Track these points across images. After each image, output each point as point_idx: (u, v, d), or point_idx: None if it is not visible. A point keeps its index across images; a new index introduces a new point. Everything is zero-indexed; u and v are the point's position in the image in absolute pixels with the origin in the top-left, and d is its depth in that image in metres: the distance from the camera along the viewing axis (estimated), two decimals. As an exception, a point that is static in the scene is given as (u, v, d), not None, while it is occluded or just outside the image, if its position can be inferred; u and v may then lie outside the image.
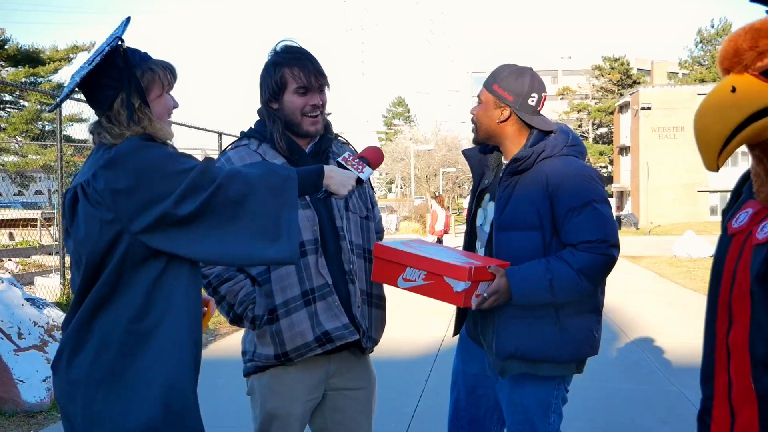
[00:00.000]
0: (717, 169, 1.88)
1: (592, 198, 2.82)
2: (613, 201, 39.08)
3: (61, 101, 2.44)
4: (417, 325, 9.25)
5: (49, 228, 20.15)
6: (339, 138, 3.09)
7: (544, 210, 2.84)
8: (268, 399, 2.84)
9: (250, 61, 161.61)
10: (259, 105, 2.95)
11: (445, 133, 58.86)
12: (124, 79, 2.22)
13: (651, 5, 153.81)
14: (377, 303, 2.95)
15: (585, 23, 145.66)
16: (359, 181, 2.52)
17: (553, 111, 68.83)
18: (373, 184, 3.23)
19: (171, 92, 2.38)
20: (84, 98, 2.35)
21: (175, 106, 2.38)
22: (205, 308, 2.58)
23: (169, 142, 2.33)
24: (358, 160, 2.55)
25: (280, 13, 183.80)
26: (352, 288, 2.82)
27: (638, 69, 65.26)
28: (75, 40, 42.81)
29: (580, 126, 66.27)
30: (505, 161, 3.01)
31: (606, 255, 2.79)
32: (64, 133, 35.90)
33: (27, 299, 6.40)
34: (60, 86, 37.50)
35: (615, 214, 37.12)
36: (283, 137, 2.83)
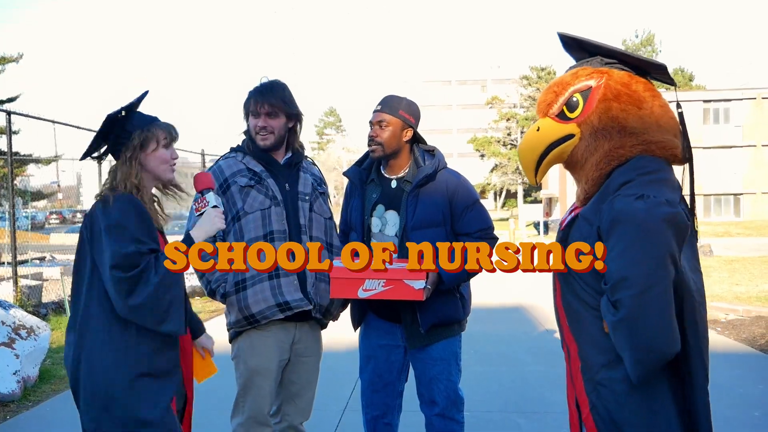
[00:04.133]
0: (536, 184, 2.75)
1: (476, 198, 3.80)
2: (541, 207, 40.22)
3: (84, 157, 3.12)
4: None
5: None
6: (311, 159, 3.94)
7: (446, 210, 3.70)
8: (249, 357, 3.61)
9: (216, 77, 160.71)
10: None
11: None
12: (123, 138, 3.01)
13: (578, 16, 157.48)
14: (324, 281, 3.65)
15: (513, 33, 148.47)
16: (215, 207, 3.10)
17: (483, 119, 70.02)
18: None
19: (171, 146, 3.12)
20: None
21: (174, 157, 3.11)
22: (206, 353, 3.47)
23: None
24: (200, 198, 3.12)
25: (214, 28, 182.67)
26: (308, 271, 3.55)
27: (564, 78, 66.75)
28: (3, 51, 42.14)
29: (509, 134, 67.11)
30: (391, 175, 3.80)
31: (493, 237, 3.75)
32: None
33: (-4, 304, 6.95)
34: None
35: (543, 219, 38.32)
36: (255, 149, 3.67)
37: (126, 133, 3.01)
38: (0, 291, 10.06)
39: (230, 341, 3.71)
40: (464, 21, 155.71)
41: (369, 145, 3.77)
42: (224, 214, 3.19)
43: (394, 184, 3.80)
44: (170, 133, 3.10)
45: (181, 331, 2.94)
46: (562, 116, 2.62)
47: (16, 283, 10.06)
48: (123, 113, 3.03)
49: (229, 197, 3.59)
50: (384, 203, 3.79)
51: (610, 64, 2.62)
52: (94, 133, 3.04)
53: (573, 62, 2.80)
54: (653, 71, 2.65)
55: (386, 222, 3.78)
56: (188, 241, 2.95)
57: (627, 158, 2.47)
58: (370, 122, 3.77)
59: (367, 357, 3.97)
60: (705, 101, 47.75)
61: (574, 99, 2.58)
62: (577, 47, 2.76)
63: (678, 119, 2.60)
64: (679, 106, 2.65)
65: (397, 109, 3.74)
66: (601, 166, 2.50)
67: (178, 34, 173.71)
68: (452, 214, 3.73)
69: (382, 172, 3.86)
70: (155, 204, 3.15)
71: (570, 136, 2.59)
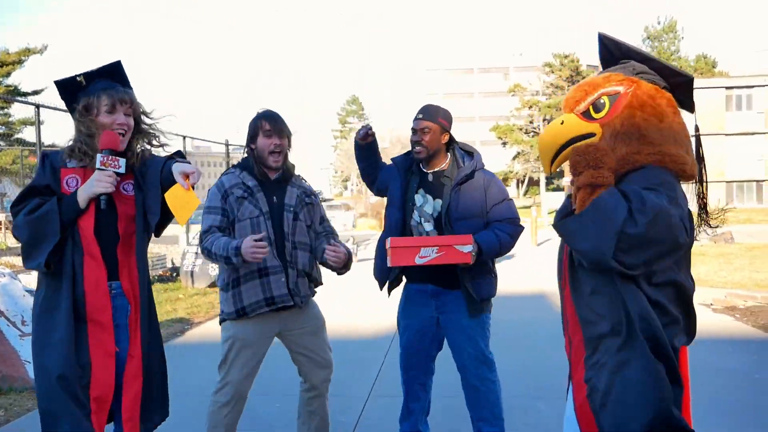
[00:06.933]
0: (550, 173, 2.93)
1: (507, 195, 4.50)
2: (563, 195, 40.15)
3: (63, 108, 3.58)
4: (376, 312, 10.13)
5: (13, 230, 20.53)
6: (299, 176, 4.50)
7: (482, 204, 4.38)
8: (232, 327, 4.21)
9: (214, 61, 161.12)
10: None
11: (400, 131, 59.65)
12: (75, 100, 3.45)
13: (600, 2, 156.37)
14: (304, 276, 4.28)
15: (536, 20, 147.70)
16: (119, 174, 3.35)
17: (505, 107, 69.84)
18: (328, 184, 4.54)
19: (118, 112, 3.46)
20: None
21: (122, 123, 3.43)
22: (186, 181, 3.38)
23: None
24: (109, 157, 3.32)
25: (232, 13, 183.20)
26: (291, 271, 4.20)
27: (587, 65, 66.16)
28: (27, 42, 42.56)
29: (531, 122, 66.96)
30: (428, 170, 4.49)
31: (520, 226, 4.47)
32: (17, 136, 35.52)
33: (27, 291, 7.14)
34: (14, 90, 37.56)
35: (565, 207, 38.36)
36: (258, 168, 4.26)
37: (76, 95, 3.45)
38: (31, 279, 10.27)
39: (220, 323, 4.32)
40: (487, 9, 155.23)
41: (414, 148, 4.44)
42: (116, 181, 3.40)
43: (431, 177, 4.46)
44: (120, 97, 3.45)
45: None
46: (587, 115, 2.79)
47: (47, 271, 10.24)
48: (78, 78, 3.47)
49: (229, 205, 4.19)
50: (423, 189, 4.46)
51: (641, 74, 2.80)
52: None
53: (595, 59, 2.97)
54: (681, 82, 2.83)
55: (426, 201, 4.44)
56: (71, 197, 3.30)
57: (641, 165, 2.64)
58: (414, 129, 4.43)
59: (405, 326, 4.58)
60: (727, 88, 47.43)
61: (602, 101, 2.76)
62: (614, 49, 2.91)
63: (695, 142, 2.81)
64: (697, 129, 2.86)
65: (437, 117, 4.42)
66: (615, 168, 2.64)
67: (198, 23, 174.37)
68: (486, 207, 4.39)
69: (421, 167, 4.52)
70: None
71: (591, 135, 2.76)
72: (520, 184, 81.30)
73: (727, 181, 45.34)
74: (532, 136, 65.42)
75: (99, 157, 3.32)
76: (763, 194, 47.80)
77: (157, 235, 3.64)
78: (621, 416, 2.55)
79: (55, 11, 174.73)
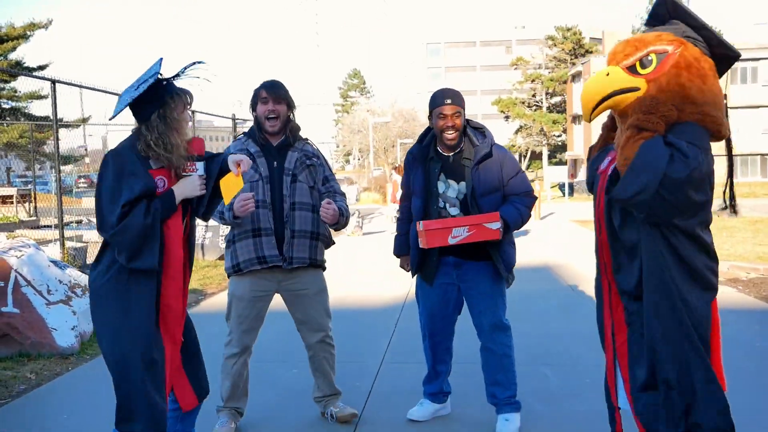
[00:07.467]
0: (590, 121, 3.09)
1: (519, 168, 4.72)
2: (566, 168, 40.38)
3: (114, 116, 3.65)
4: (384, 284, 10.36)
5: (24, 204, 20.81)
6: (306, 140, 4.80)
7: (499, 178, 4.58)
8: (232, 285, 4.70)
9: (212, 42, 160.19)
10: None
11: (402, 105, 59.50)
12: (160, 101, 3.54)
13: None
14: (303, 236, 4.57)
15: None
16: (201, 175, 3.72)
17: (507, 81, 69.60)
18: (329, 159, 4.80)
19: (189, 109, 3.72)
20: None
21: (191, 119, 3.81)
22: (237, 168, 3.79)
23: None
24: (189, 163, 3.67)
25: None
26: (286, 231, 4.53)
27: (591, 38, 65.47)
28: (32, 17, 42.44)
29: (534, 96, 66.81)
30: (447, 153, 4.62)
31: (534, 197, 4.71)
32: (25, 110, 35.44)
33: (51, 261, 7.38)
34: (18, 64, 37.50)
35: (568, 181, 38.41)
36: (259, 134, 4.62)
37: (160, 97, 3.55)
38: (48, 251, 10.51)
39: (228, 277, 4.77)
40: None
41: (446, 133, 4.53)
42: (205, 183, 3.76)
43: (451, 160, 4.62)
44: (191, 97, 3.70)
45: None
46: (632, 69, 2.98)
47: (63, 245, 10.50)
48: (163, 81, 3.58)
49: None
50: (445, 173, 4.63)
51: (688, 37, 2.98)
52: (133, 94, 3.51)
53: (597, 32, 3.19)
54: (726, 55, 3.05)
55: (449, 186, 4.62)
56: (170, 195, 3.56)
57: (683, 121, 2.85)
58: (444, 114, 4.50)
59: (426, 295, 4.79)
60: (732, 60, 47.17)
61: (650, 58, 2.95)
62: (671, 10, 3.08)
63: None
64: (725, 96, 3.04)
65: (462, 100, 4.58)
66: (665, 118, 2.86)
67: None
68: (502, 180, 4.60)
69: (439, 150, 4.65)
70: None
71: (636, 89, 2.95)
72: (522, 158, 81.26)
73: (716, 156, 45.26)
74: (535, 110, 65.32)
75: (188, 162, 3.66)
76: (767, 168, 47.84)
77: (206, 219, 4.01)
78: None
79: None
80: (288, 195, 4.54)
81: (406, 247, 4.86)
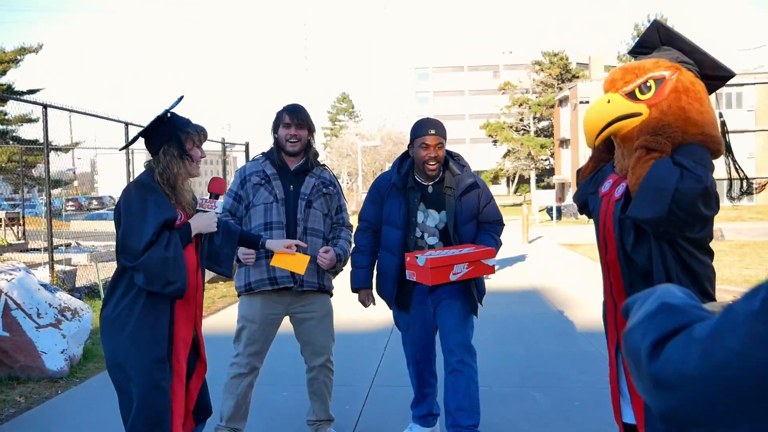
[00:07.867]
0: (593, 147, 3.23)
1: (492, 197, 4.79)
2: (554, 192, 40.51)
3: (126, 147, 3.70)
4: (373, 307, 10.34)
5: (13, 227, 20.72)
6: (324, 166, 4.85)
7: (477, 206, 4.65)
8: (242, 308, 4.72)
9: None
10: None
11: (390, 128, 59.64)
12: (168, 136, 3.61)
13: (589, 1, 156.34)
14: (314, 261, 4.55)
15: (525, 18, 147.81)
16: (217, 213, 3.80)
17: (495, 105, 69.90)
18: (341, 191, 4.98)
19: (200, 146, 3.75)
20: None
21: (203, 155, 3.75)
22: (290, 249, 4.23)
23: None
24: (208, 200, 3.77)
25: (222, 11, 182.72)
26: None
27: (577, 63, 66.00)
28: (22, 42, 42.45)
29: (521, 120, 67.11)
30: (426, 182, 4.60)
31: (503, 224, 4.81)
32: (14, 134, 35.30)
33: (41, 285, 7.38)
34: (9, 88, 37.46)
35: (555, 204, 38.46)
36: (278, 156, 4.66)
37: (170, 131, 3.61)
38: (37, 276, 10.50)
39: (238, 296, 4.81)
40: (476, 7, 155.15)
41: (428, 164, 4.50)
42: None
43: (430, 189, 4.61)
44: (203, 135, 3.74)
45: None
46: (632, 96, 3.09)
47: (52, 268, 10.49)
48: (168, 115, 3.64)
49: (245, 190, 4.65)
50: (425, 203, 4.61)
51: (682, 62, 3.11)
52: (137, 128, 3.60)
53: (584, 57, 3.29)
54: (719, 75, 3.21)
55: (428, 216, 4.61)
56: (187, 228, 3.64)
57: (686, 143, 2.97)
58: (427, 144, 4.48)
59: (408, 323, 4.79)
60: (717, 86, 47.62)
61: (648, 84, 3.06)
62: (663, 36, 3.21)
63: (720, 127, 3.16)
64: (721, 115, 3.22)
65: (444, 131, 4.58)
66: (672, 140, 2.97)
67: (187, 22, 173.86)
68: (480, 210, 4.69)
69: (418, 180, 4.63)
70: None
71: (638, 114, 3.06)
72: (510, 182, 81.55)
73: (717, 179, 45.55)
74: (523, 134, 65.60)
75: (204, 199, 3.78)
76: (753, 192, 48.15)
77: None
78: None
79: (49, 11, 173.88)
80: (302, 219, 4.59)
81: (366, 281, 4.85)
